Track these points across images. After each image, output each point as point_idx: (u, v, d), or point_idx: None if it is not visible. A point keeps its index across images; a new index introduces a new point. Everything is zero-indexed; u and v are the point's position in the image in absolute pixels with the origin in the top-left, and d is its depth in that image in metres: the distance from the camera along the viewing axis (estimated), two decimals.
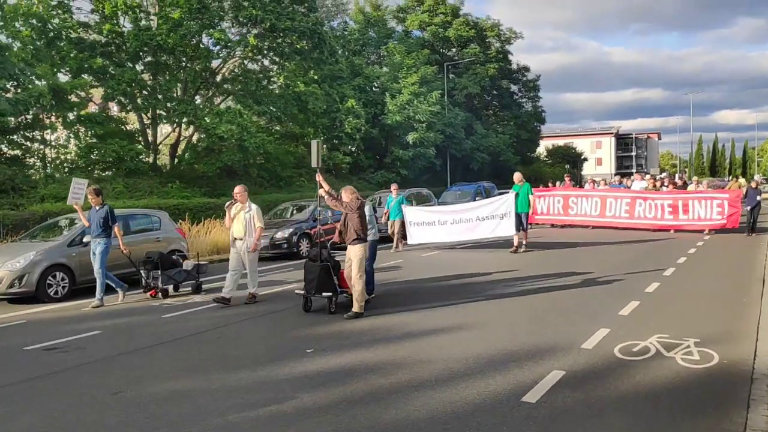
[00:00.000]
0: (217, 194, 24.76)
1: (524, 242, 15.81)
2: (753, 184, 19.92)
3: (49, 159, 22.08)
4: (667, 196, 20.29)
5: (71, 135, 22.48)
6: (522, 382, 5.77)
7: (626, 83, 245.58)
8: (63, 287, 11.05)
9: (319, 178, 9.54)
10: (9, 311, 10.04)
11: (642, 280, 10.83)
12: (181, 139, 26.95)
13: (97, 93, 24.78)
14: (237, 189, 10.20)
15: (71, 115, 22.50)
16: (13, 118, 20.76)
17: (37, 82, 20.56)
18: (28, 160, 21.48)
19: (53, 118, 21.65)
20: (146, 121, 25.36)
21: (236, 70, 26.60)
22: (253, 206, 10.26)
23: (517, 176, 16.34)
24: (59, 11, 22.99)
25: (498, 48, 47.63)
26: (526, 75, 51.54)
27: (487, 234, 15.53)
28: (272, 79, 28.33)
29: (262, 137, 25.22)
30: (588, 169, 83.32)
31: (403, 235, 17.08)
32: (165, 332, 8.23)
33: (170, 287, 11.13)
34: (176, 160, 25.61)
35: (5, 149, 20.56)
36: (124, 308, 10.10)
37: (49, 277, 10.67)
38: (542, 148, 72.74)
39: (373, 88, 37.08)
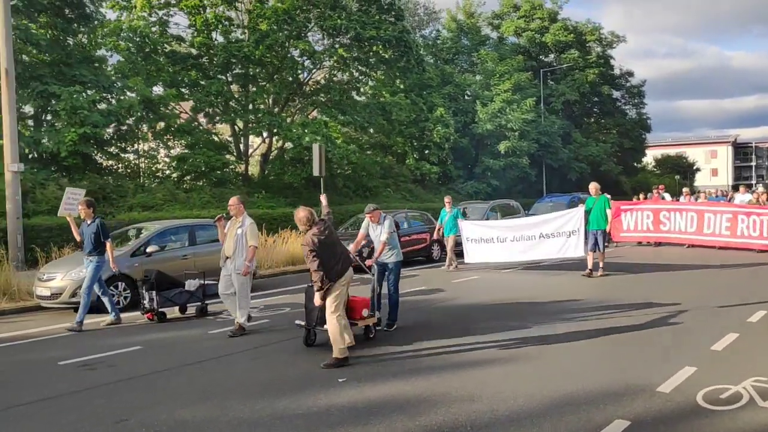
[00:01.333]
0: (302, 204, 24.77)
1: (601, 264, 13.63)
2: None
3: (141, 169, 22.82)
4: None
5: (161, 145, 23.16)
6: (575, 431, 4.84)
7: (748, 89, 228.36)
8: (124, 297, 11.03)
9: (323, 200, 8.92)
10: (64, 321, 10.02)
11: (744, 310, 9.34)
12: (272, 150, 27.28)
13: (188, 106, 25.53)
14: (231, 201, 8.93)
15: (161, 126, 23.23)
16: (110, 130, 21.69)
17: (129, 94, 21.33)
18: (120, 170, 22.28)
19: (144, 129, 22.37)
20: (236, 132, 25.80)
21: (323, 81, 26.57)
22: (247, 221, 8.77)
23: (592, 187, 13.99)
24: (158, 26, 23.88)
25: (599, 53, 45.31)
26: (630, 80, 48.80)
27: (553, 254, 13.75)
28: (359, 89, 28.11)
29: (345, 148, 25.01)
30: (701, 180, 78.09)
31: (460, 253, 15.74)
32: (194, 353, 7.83)
33: (174, 308, 10.37)
34: (264, 171, 25.84)
35: (99, 160, 21.37)
36: (173, 325, 9.79)
37: (111, 287, 10.63)
38: (650, 157, 69.01)
39: (465, 97, 36.19)
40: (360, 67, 26.77)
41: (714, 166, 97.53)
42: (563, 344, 7.66)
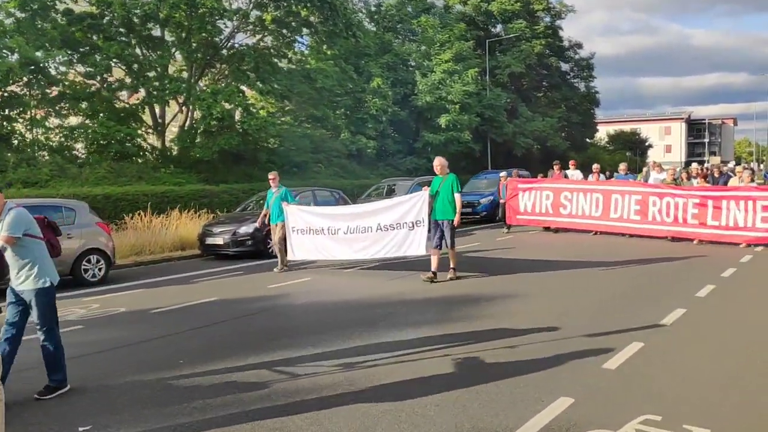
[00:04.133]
0: (217, 181, 22.65)
1: (452, 264, 10.35)
2: None
3: (29, 141, 20.34)
4: (693, 192, 14.67)
5: (53, 114, 20.69)
6: None
7: (709, 67, 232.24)
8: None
9: None
10: None
11: (621, 336, 7.25)
12: (184, 121, 24.97)
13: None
14: None
15: (55, 92, 20.75)
16: None
17: (8, 56, 18.82)
18: None
19: (28, 94, 19.89)
20: (143, 101, 23.36)
21: (238, 46, 24.26)
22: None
23: (437, 163, 10.42)
24: None
25: (547, 23, 43.69)
26: (579, 53, 47.38)
27: (394, 251, 10.58)
28: (284, 55, 25.84)
29: (264, 119, 22.84)
30: (655, 157, 77.90)
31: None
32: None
33: None
34: (165, 144, 23.54)
35: None
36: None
37: None
38: (603, 133, 68.20)
39: (405, 67, 34.21)
40: (281, 31, 24.42)
41: (668, 143, 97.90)
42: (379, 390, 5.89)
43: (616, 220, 15.68)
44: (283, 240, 12.02)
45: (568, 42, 46.63)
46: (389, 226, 10.52)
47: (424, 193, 10.24)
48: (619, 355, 5.96)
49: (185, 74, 24.37)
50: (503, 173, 19.39)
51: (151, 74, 22.41)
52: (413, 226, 10.24)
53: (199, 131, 22.71)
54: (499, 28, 42.93)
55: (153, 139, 24.72)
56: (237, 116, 23.39)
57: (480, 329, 7.07)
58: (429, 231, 10.33)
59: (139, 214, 15.66)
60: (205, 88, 23.03)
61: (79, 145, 21.72)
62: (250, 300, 9.19)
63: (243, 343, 6.73)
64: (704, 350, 6.17)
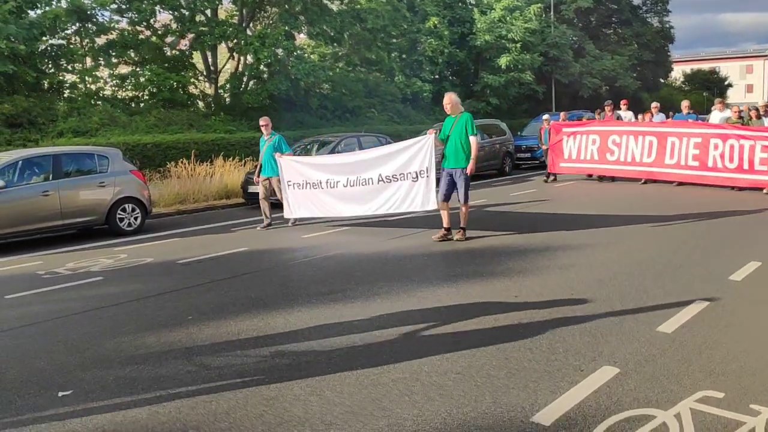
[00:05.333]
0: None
1: (462, 223, 8.78)
2: None
3: (80, 90, 20.38)
4: (762, 134, 12.50)
5: (103, 63, 20.62)
6: None
7: None
8: None
9: None
10: None
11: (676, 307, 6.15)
12: (236, 68, 24.55)
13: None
14: None
15: (103, 41, 20.64)
16: (43, 46, 19.25)
17: (56, 3, 18.71)
18: (50, 92, 19.87)
19: (79, 44, 19.82)
20: (193, 48, 23.00)
21: None
22: None
23: (448, 100, 8.71)
24: None
25: None
26: None
27: (396, 207, 9.16)
28: None
29: (313, 63, 22.14)
30: (735, 97, 73.00)
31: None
32: None
33: None
34: (218, 91, 23.21)
35: (28, 80, 18.96)
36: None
37: None
38: (679, 73, 64.16)
39: (462, 4, 32.55)
40: None
41: (749, 82, 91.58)
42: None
43: (671, 166, 13.69)
44: (269, 197, 10.83)
45: None
46: (391, 177, 9.12)
47: (430, 138, 8.70)
48: (677, 317, 5.17)
49: (236, 20, 23.85)
50: (546, 116, 17.61)
51: (199, 18, 21.94)
52: (417, 176, 8.82)
53: (247, 77, 22.22)
54: None
55: (205, 87, 24.48)
56: (287, 62, 22.76)
57: (513, 287, 6.37)
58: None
59: (182, 162, 15.40)
60: (253, 32, 22.41)
61: (129, 94, 21.69)
62: (280, 252, 8.74)
63: (258, 299, 6.27)
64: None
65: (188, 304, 6.12)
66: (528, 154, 20.70)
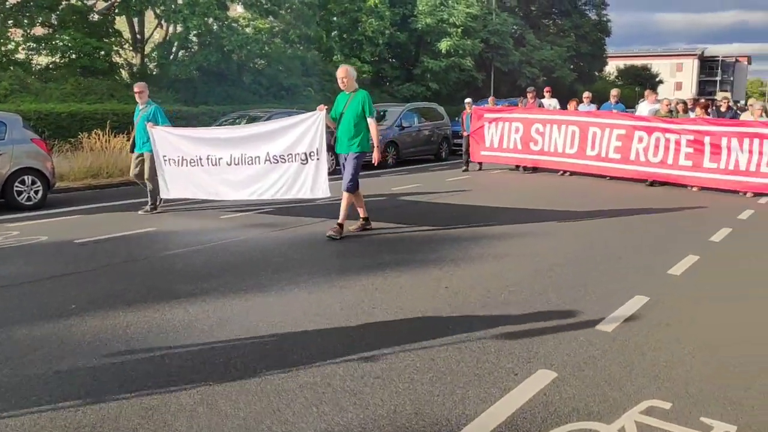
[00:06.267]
0: (197, 102, 21.15)
1: (362, 214, 7.81)
2: None
3: None
4: (688, 127, 11.84)
5: (11, 23, 18.99)
6: None
7: (727, 4, 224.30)
8: None
9: None
10: None
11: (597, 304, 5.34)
12: (164, 37, 23.17)
13: None
14: None
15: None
16: None
17: None
18: None
19: None
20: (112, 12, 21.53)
21: None
22: None
23: (342, 73, 7.40)
24: None
25: None
26: None
27: (284, 192, 7.97)
28: None
29: (247, 35, 21.08)
30: (665, 94, 75.30)
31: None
32: None
33: None
34: (147, 61, 21.88)
35: None
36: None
37: None
38: (613, 67, 65.59)
39: None
40: None
41: (679, 80, 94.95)
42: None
43: (592, 158, 13.07)
44: (142, 175, 9.32)
45: None
46: (279, 157, 7.88)
47: (320, 114, 7.47)
48: (616, 314, 4.78)
49: None
50: (468, 99, 16.20)
51: None
52: (306, 158, 7.64)
53: (176, 47, 20.98)
54: None
55: (131, 57, 23.05)
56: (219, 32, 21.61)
57: (444, 277, 5.87)
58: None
59: (96, 133, 14.24)
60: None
61: (44, 60, 20.13)
62: (191, 233, 7.92)
63: (156, 286, 5.53)
64: (723, 312, 4.99)
65: (75, 291, 5.33)
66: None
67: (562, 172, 13.92)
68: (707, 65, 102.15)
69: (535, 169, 14.57)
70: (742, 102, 40.96)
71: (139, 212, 9.29)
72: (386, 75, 31.66)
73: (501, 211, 9.47)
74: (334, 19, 28.56)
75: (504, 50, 35.26)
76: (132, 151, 9.58)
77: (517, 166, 14.93)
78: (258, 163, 8.12)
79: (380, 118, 18.43)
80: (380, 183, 12.82)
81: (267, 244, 7.32)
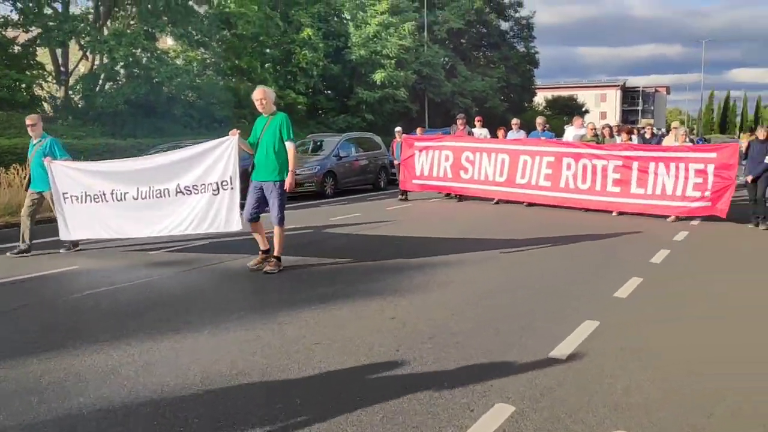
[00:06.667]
0: (124, 134, 20.38)
1: (277, 249, 7.02)
2: (761, 134, 10.52)
3: None
4: (615, 153, 11.96)
5: None
6: None
7: (644, 38, 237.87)
8: None
9: None
10: None
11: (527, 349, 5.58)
12: (90, 69, 22.34)
13: None
14: None
15: None
16: None
17: None
18: None
19: None
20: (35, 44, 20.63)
21: None
22: None
23: (260, 95, 6.84)
24: None
25: None
26: (519, 11, 46.06)
27: (196, 226, 7.30)
28: (201, 1, 23.37)
29: (176, 66, 20.57)
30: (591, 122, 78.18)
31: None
32: None
33: None
34: (71, 93, 21.03)
35: None
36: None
37: None
38: (541, 98, 67.82)
39: (337, 18, 32.13)
40: None
41: (603, 109, 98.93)
42: None
43: (522, 186, 12.93)
44: (35, 215, 8.59)
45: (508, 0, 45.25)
46: (191, 188, 7.23)
47: (233, 139, 6.90)
48: (568, 340, 4.63)
49: (92, 17, 21.75)
50: (398, 128, 16.11)
51: (48, 12, 19.76)
52: (218, 188, 7.04)
53: (102, 79, 20.25)
54: None
55: (54, 89, 22.13)
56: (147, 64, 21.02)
57: (388, 307, 5.62)
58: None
59: (15, 168, 13.41)
60: (109, 31, 20.53)
61: None
62: (114, 271, 7.41)
63: (69, 330, 5.05)
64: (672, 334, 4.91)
65: None
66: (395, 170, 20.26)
67: (495, 200, 13.77)
68: (629, 95, 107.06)
69: (460, 197, 14.46)
70: (663, 130, 42.83)
71: (8, 254, 8.29)
72: (321, 106, 31.55)
73: (441, 239, 9.33)
74: (267, 50, 28.34)
75: (436, 81, 35.83)
76: (26, 188, 8.74)
77: (448, 195, 14.81)
78: (166, 196, 7.43)
79: (317, 149, 18.31)
80: (319, 213, 12.54)
81: (195, 280, 6.89)
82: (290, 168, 6.86)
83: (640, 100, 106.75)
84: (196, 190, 7.23)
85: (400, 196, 14.99)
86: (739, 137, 65.28)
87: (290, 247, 7.64)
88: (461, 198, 14.45)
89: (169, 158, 7.69)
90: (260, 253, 7.17)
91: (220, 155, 7.03)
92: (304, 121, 30.22)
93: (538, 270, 7.11)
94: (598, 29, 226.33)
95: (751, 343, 4.64)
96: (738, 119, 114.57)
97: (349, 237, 9.60)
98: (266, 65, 29.27)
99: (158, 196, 7.49)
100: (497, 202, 13.70)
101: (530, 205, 12.98)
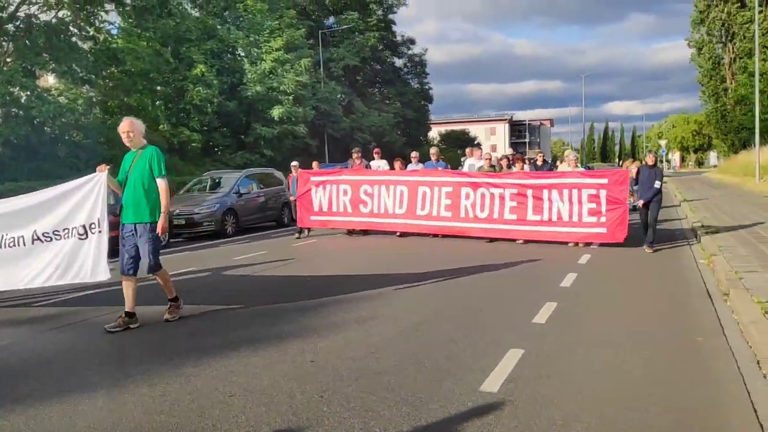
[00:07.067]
0: (4, 179, 18.81)
1: (171, 296, 6.44)
2: (650, 160, 11.14)
3: None
4: (510, 181, 12.08)
5: None
6: None
7: (527, 75, 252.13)
8: None
9: None
10: None
11: None
12: None
13: None
14: None
15: None
16: None
17: None
18: None
19: None
20: None
21: (26, 19, 20.42)
22: None
23: (127, 127, 6.09)
24: None
25: (380, 16, 43.13)
26: (412, 48, 47.42)
27: (58, 277, 6.54)
28: (85, 37, 22.22)
29: (59, 105, 19.35)
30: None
31: None
32: None
33: None
34: None
35: None
36: None
37: None
38: (436, 133, 69.83)
39: (231, 54, 31.70)
40: (80, 4, 20.81)
41: (493, 142, 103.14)
42: None
43: (423, 218, 12.82)
44: None
45: (401, 37, 46.53)
46: (51, 234, 6.48)
47: (101, 176, 6.24)
48: (497, 371, 4.49)
49: None
50: (295, 162, 15.35)
51: None
52: (86, 232, 6.32)
53: None
54: (331, 20, 41.65)
55: None
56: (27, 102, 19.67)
57: (308, 349, 5.28)
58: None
59: None
60: None
61: None
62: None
63: None
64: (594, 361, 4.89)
65: None
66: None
67: (397, 233, 13.53)
68: (516, 129, 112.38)
69: (365, 232, 14.11)
70: (550, 160, 45.17)
71: None
72: (217, 144, 30.82)
73: (351, 275, 9.07)
74: (159, 87, 27.40)
75: (335, 117, 35.99)
76: None
77: (351, 231, 14.29)
78: (21, 245, 6.60)
79: (215, 186, 17.55)
80: (220, 254, 11.95)
81: (87, 334, 6.23)
82: (162, 208, 6.08)
83: (527, 133, 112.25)
84: (57, 236, 6.45)
85: (297, 234, 14.28)
86: (619, 164, 69.91)
87: (191, 291, 7.13)
88: (366, 232, 14.16)
89: (26, 201, 6.84)
90: (123, 314, 6.09)
91: (87, 194, 6.31)
92: (199, 159, 29.36)
93: (453, 301, 7.00)
94: (484, 67, 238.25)
95: (668, 368, 4.68)
96: (617, 148, 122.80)
97: (255, 278, 9.15)
98: (157, 102, 28.30)
99: (11, 245, 6.65)
100: (400, 235, 13.50)
101: (435, 236, 12.94)
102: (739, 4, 49.54)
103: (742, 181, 31.65)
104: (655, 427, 3.46)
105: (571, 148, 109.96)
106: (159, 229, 6.09)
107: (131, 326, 6.11)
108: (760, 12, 38.42)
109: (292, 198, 14.71)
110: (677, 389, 4.08)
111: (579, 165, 14.12)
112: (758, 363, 4.51)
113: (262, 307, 7.04)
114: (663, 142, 65.97)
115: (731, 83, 50.28)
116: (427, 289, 7.69)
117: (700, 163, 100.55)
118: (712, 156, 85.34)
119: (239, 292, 8.03)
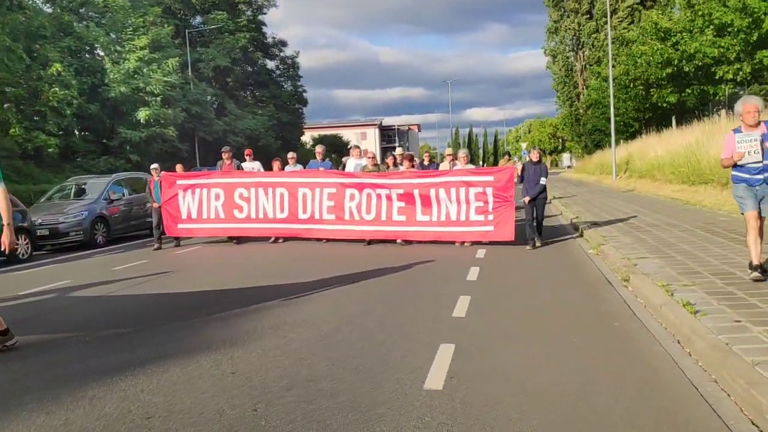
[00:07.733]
0: None
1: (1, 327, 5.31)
2: (534, 156, 11.03)
3: None
4: (397, 181, 11.68)
5: None
6: None
7: (393, 82, 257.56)
8: None
9: None
10: None
11: None
12: None
13: None
14: None
15: None
16: None
17: None
18: None
19: None
20: None
21: None
22: None
23: None
24: None
25: (249, 17, 42.11)
26: (284, 50, 46.76)
27: None
28: None
29: None
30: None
31: None
32: None
33: None
34: None
35: None
36: None
37: None
38: (308, 137, 69.42)
39: (90, 53, 29.54)
40: None
41: (365, 147, 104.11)
42: None
43: (305, 221, 12.18)
44: None
45: (272, 39, 45.69)
46: None
47: None
48: (435, 368, 4.33)
49: None
50: (155, 165, 13.58)
51: None
52: None
53: None
54: (198, 19, 40.06)
55: None
56: None
57: (225, 361, 4.83)
58: None
59: None
60: None
61: None
62: None
63: None
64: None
65: None
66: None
67: (273, 239, 12.82)
68: (386, 133, 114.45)
69: (238, 240, 13.14)
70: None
71: None
72: (78, 149, 28.55)
73: (246, 288, 8.56)
74: (8, 88, 24.88)
75: (207, 120, 34.63)
76: None
77: (231, 238, 13.17)
78: None
79: (80, 193, 16.05)
80: (94, 266, 10.92)
81: None
82: (4, 220, 5.18)
83: (396, 138, 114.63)
84: None
85: (155, 245, 12.83)
86: (484, 166, 73.07)
87: (59, 309, 6.31)
88: (239, 240, 13.11)
89: None
90: None
91: None
92: (57, 165, 27.11)
93: (367, 302, 6.76)
94: (350, 73, 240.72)
95: (600, 355, 4.73)
96: (480, 151, 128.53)
97: (140, 292, 8.38)
98: (6, 105, 25.70)
99: None
100: (274, 241, 12.78)
101: (319, 240, 12.30)
102: (588, 15, 53.57)
103: (599, 179, 34.09)
104: (615, 413, 3.42)
105: (448, 147, 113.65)
106: (4, 245, 5.22)
107: (7, 344, 5.30)
108: (605, 23, 41.57)
109: (155, 205, 13.13)
110: (618, 373, 4.12)
111: (470, 162, 14.06)
112: (679, 342, 4.67)
113: (161, 323, 6.39)
114: (524, 144, 69.69)
115: (583, 89, 54.22)
116: (335, 293, 7.35)
117: (555, 164, 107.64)
118: (566, 157, 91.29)
119: (124, 310, 7.29)
